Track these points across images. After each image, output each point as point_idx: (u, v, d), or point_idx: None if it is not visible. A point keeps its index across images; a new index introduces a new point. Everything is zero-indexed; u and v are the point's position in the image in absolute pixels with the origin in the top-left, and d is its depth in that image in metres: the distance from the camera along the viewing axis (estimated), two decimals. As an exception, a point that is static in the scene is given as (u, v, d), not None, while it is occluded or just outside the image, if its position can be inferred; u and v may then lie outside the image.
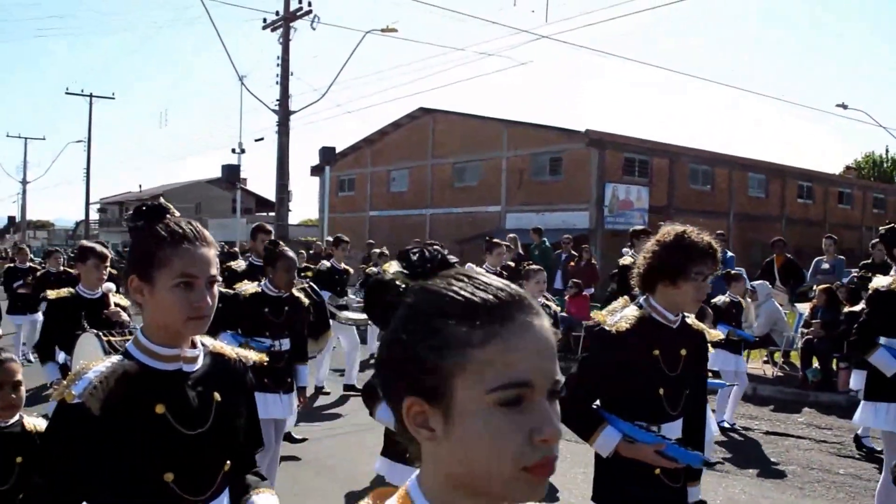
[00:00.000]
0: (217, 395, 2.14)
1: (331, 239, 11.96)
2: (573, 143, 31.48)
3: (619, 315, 3.26)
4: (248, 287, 5.89)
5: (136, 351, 2.10)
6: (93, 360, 2.12)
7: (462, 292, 1.07)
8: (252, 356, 2.41)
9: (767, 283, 12.08)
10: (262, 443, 2.50)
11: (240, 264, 8.93)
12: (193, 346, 2.16)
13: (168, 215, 2.10)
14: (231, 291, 5.90)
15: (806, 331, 11.23)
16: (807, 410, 10.16)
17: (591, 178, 31.06)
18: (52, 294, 5.55)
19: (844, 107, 30.29)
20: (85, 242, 5.85)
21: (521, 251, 15.49)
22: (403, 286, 1.16)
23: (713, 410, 8.05)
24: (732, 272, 9.88)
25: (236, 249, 17.60)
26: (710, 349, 3.58)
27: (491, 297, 1.06)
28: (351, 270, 11.77)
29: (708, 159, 35.67)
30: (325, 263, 11.13)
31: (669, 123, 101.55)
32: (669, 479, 3.23)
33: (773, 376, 11.83)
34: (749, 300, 11.11)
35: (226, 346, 2.32)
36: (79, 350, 4.15)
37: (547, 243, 15.26)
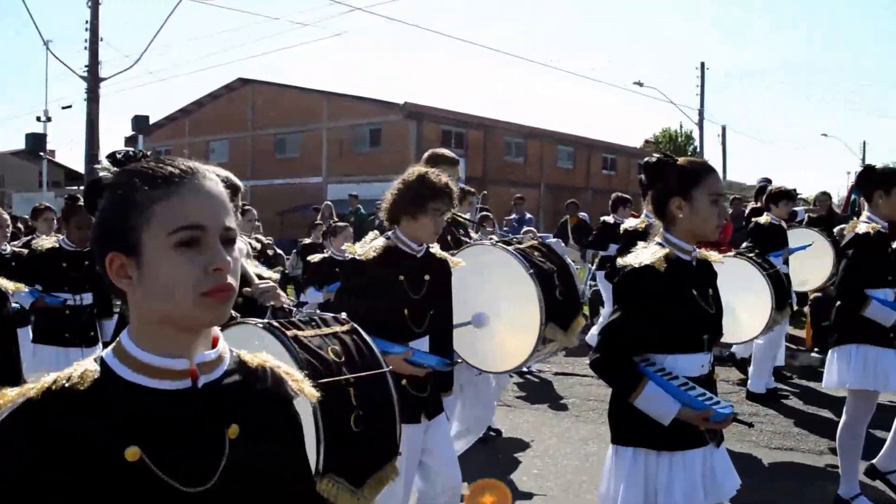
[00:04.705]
0: (235, 430, 1.35)
1: None
2: (392, 115, 32.27)
3: (368, 246, 3.59)
4: (44, 242, 5.98)
5: (115, 361, 1.31)
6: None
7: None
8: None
9: (561, 241, 13.28)
10: None
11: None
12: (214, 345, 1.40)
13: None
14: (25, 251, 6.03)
15: (593, 283, 12.48)
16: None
17: (410, 150, 31.89)
18: None
19: (640, 84, 32.72)
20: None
21: (335, 218, 16.07)
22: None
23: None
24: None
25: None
26: None
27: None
28: None
29: (521, 132, 37.44)
30: None
31: (486, 98, 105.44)
32: (415, 390, 3.48)
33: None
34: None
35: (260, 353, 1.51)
36: None
37: (362, 210, 15.97)
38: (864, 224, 4.77)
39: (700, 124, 38.56)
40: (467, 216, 5.48)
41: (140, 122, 21.79)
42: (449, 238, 4.43)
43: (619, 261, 3.09)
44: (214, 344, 1.38)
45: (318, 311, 2.67)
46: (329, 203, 15.37)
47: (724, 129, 40.66)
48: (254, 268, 3.36)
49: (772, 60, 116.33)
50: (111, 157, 1.39)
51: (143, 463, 1.23)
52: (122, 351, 1.32)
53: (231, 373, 1.39)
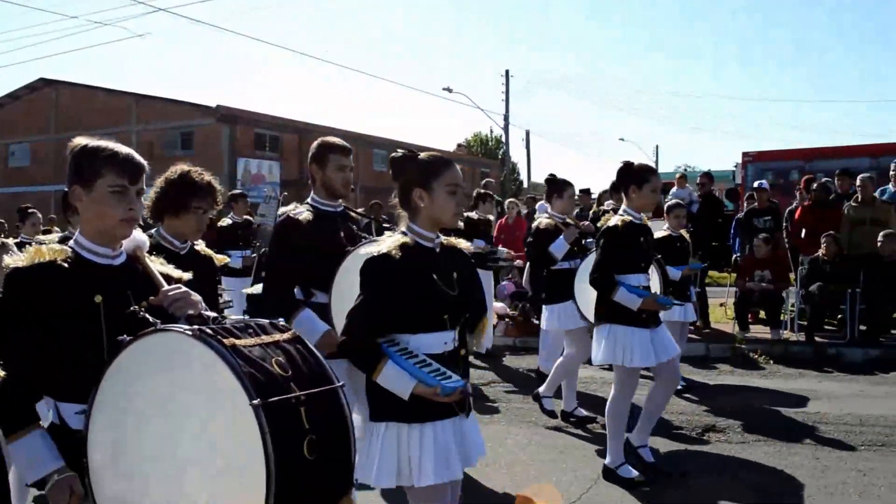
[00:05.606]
0: None
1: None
2: (204, 119, 32.09)
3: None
4: None
5: None
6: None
7: None
8: None
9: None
10: None
11: None
12: None
13: None
14: None
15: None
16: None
17: (223, 153, 31.87)
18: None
19: (449, 90, 34.13)
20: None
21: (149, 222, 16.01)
22: None
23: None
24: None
25: None
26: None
27: None
28: None
29: (336, 136, 37.89)
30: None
31: (302, 102, 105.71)
32: None
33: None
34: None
35: None
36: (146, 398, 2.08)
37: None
38: (616, 218, 5.26)
39: (506, 129, 40.70)
40: (361, 210, 5.00)
41: (-71, 126, 20.58)
42: (342, 234, 4.46)
43: (362, 250, 3.30)
44: None
45: (246, 317, 2.21)
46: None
47: (527, 133, 43.03)
48: (161, 266, 2.62)
49: (572, 69, 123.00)
50: None
51: None
52: None
53: None
